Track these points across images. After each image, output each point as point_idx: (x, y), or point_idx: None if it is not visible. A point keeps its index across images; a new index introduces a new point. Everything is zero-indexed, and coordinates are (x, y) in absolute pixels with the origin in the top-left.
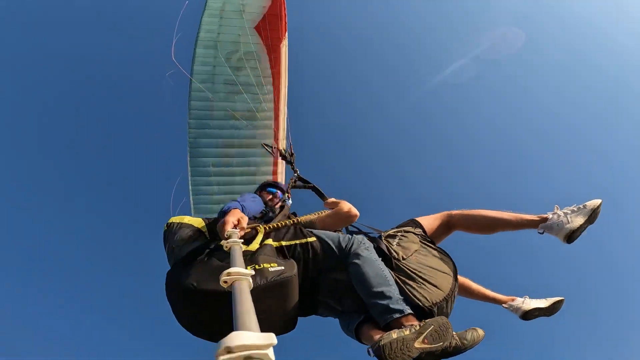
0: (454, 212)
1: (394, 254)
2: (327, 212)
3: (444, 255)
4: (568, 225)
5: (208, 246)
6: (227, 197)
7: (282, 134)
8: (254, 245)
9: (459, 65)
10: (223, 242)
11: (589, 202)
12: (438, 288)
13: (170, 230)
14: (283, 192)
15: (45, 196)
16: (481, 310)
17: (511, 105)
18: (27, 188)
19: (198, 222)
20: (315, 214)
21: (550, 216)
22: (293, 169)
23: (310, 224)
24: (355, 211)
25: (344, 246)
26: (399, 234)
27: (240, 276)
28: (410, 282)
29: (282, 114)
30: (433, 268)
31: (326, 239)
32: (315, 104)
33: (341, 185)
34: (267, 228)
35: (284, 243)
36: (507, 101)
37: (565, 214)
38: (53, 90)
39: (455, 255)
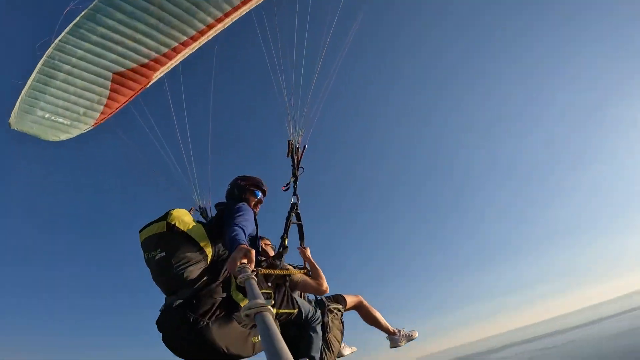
0: (365, 303)
1: (328, 328)
2: (308, 279)
3: (343, 328)
4: (399, 343)
5: (217, 291)
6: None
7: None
8: None
9: None
10: (238, 278)
11: (413, 332)
12: (336, 356)
13: (173, 236)
14: (264, 193)
15: None
16: None
17: None
18: None
19: (201, 235)
20: (297, 273)
21: (397, 333)
22: (295, 172)
23: (294, 285)
24: (327, 289)
25: (309, 317)
26: (335, 310)
27: (261, 308)
28: (328, 352)
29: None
30: (337, 341)
31: (303, 311)
32: None
33: None
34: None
35: (279, 311)
36: None
37: (402, 334)
38: None
39: None
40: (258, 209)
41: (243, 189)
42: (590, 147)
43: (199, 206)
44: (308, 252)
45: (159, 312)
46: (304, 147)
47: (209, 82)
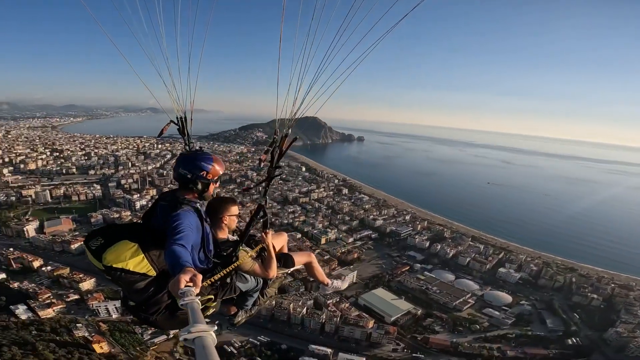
0: (312, 263)
1: (266, 286)
2: (257, 269)
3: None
4: (326, 292)
5: (162, 300)
6: None
7: None
8: None
9: None
10: (179, 301)
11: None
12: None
13: (114, 271)
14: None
15: None
16: None
17: None
18: None
19: (142, 266)
20: (247, 262)
21: (328, 284)
22: (272, 172)
23: (242, 270)
24: (274, 276)
25: (248, 291)
26: (279, 275)
27: (204, 333)
28: (262, 298)
29: None
30: (272, 290)
31: (244, 289)
32: None
33: None
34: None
35: (222, 299)
36: None
37: (332, 286)
38: None
39: None
40: (211, 192)
41: (207, 184)
42: None
43: (177, 117)
44: (269, 237)
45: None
46: (294, 139)
47: None
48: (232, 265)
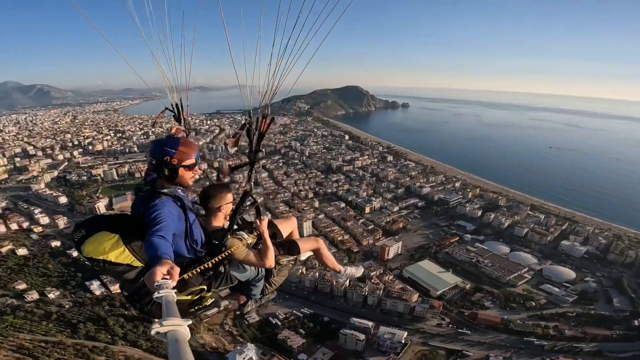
0: (320, 250)
1: (272, 275)
2: (252, 257)
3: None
4: (339, 279)
5: None
6: None
7: None
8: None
9: None
10: (154, 294)
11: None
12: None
13: (98, 262)
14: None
15: None
16: None
17: None
18: None
19: (124, 257)
20: (241, 251)
21: (341, 271)
22: (252, 156)
23: (236, 259)
24: (271, 266)
25: (249, 280)
26: (285, 262)
27: (176, 326)
28: (269, 287)
29: None
30: (280, 279)
31: (242, 279)
32: None
33: None
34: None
35: (216, 288)
36: None
37: (345, 273)
38: None
39: None
40: (193, 176)
41: (175, 170)
42: None
43: (172, 104)
44: (263, 224)
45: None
46: (272, 119)
47: None
48: (221, 255)
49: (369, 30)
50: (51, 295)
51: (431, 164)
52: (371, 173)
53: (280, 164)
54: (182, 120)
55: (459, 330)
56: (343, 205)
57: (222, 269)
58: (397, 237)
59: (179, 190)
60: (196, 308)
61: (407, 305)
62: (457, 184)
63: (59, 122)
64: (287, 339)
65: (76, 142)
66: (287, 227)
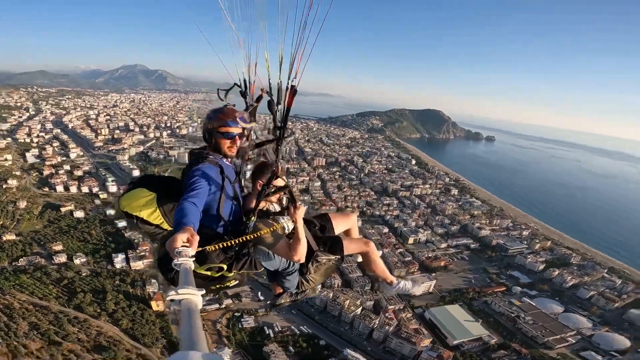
0: (370, 254)
1: (307, 271)
2: (281, 247)
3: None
4: (388, 293)
5: None
6: None
7: None
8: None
9: None
10: (173, 261)
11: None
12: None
13: (131, 219)
14: (241, 125)
15: None
16: None
17: None
18: None
19: (155, 217)
20: (268, 236)
21: (393, 282)
22: (281, 133)
23: (262, 244)
24: (299, 261)
25: (280, 270)
26: (324, 261)
27: (189, 295)
28: (306, 283)
29: None
30: (316, 279)
31: (269, 268)
32: None
33: None
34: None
35: (238, 272)
36: None
37: (398, 287)
38: None
39: None
40: (235, 149)
41: (211, 133)
42: None
43: (240, 80)
44: (297, 214)
45: None
46: (295, 91)
47: None
48: (244, 237)
49: (460, 49)
50: (77, 261)
51: (501, 205)
52: (428, 204)
53: (337, 176)
54: (247, 96)
55: None
56: (386, 230)
57: (245, 251)
58: (433, 274)
59: (225, 160)
60: (217, 286)
61: (413, 349)
62: (525, 232)
63: (164, 105)
64: (272, 353)
65: (169, 124)
66: (343, 223)
